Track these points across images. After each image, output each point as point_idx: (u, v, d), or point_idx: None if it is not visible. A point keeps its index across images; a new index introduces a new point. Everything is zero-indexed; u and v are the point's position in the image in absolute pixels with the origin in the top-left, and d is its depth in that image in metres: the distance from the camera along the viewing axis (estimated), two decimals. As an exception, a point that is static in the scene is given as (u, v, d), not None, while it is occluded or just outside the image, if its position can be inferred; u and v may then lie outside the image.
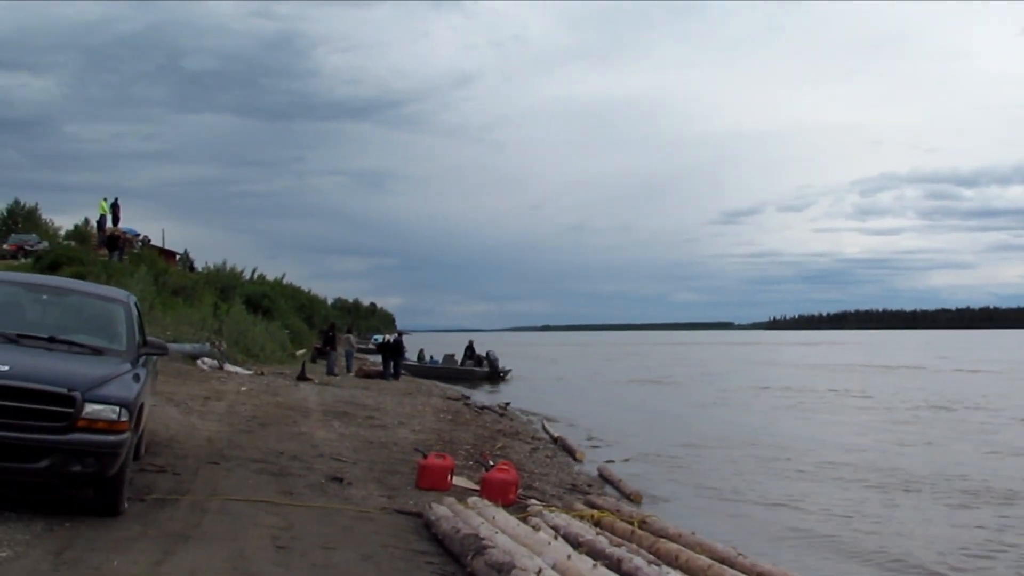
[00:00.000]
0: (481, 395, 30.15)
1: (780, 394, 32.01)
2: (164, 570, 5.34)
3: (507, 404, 24.97)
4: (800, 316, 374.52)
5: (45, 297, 7.83)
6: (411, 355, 42.21)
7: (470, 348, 41.78)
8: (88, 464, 6.04)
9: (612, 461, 15.71)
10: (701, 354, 79.15)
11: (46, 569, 5.10)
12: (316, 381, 23.92)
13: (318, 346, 36.47)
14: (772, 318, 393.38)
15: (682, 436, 19.89)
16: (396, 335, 32.69)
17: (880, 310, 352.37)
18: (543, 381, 40.69)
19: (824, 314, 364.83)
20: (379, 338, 34.33)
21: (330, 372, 28.05)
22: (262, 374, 23.83)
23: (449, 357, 41.80)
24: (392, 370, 30.36)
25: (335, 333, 30.67)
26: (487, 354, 40.63)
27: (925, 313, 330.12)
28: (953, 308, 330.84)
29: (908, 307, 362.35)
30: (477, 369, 40.06)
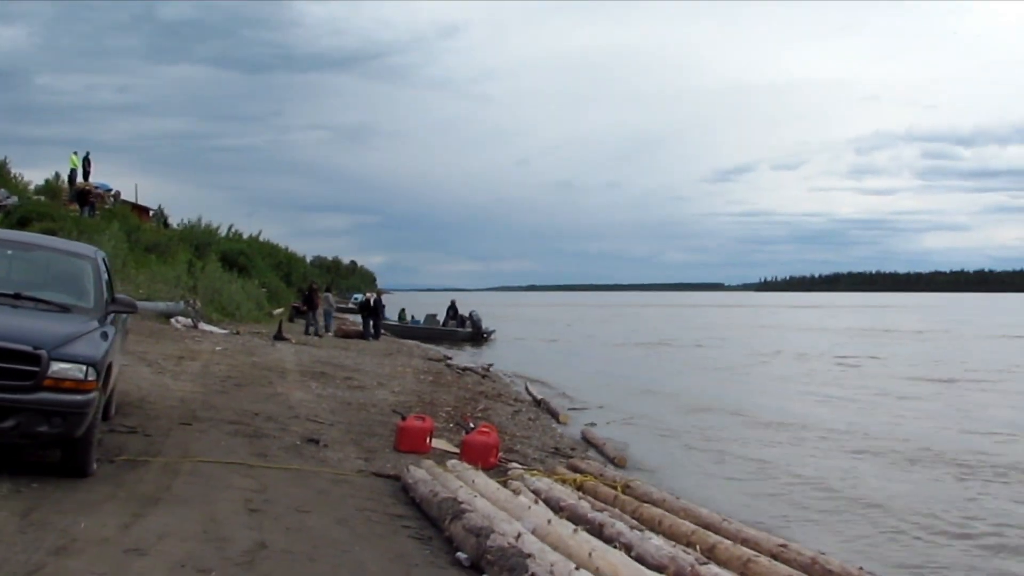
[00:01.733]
0: (464, 356, 30.29)
1: (782, 361, 31.84)
2: (133, 533, 5.36)
3: (490, 366, 25.04)
4: (792, 278, 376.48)
5: (10, 253, 7.75)
6: (392, 315, 42.12)
7: (453, 308, 41.73)
8: (55, 424, 6.05)
9: (595, 424, 15.82)
10: (694, 317, 79.29)
11: (12, 531, 5.12)
12: (293, 341, 23.93)
13: (296, 305, 36.43)
14: (763, 279, 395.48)
15: (673, 401, 19.98)
16: (376, 294, 32.60)
17: (873, 272, 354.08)
18: (528, 343, 40.75)
19: (816, 275, 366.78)
20: (359, 297, 34.30)
21: (309, 332, 28.04)
22: (238, 333, 23.86)
23: (431, 317, 41.85)
24: (372, 330, 30.40)
25: (315, 292, 30.61)
26: (470, 314, 40.63)
27: (920, 276, 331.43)
28: (948, 271, 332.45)
29: (902, 269, 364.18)
30: (460, 330, 40.07)
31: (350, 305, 58.64)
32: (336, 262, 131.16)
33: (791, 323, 65.64)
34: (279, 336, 23.86)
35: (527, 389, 20.26)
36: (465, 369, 23.11)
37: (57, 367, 6.04)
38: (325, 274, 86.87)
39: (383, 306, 31.74)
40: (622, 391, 21.74)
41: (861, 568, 5.91)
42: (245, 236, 51.92)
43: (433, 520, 6.75)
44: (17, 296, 6.87)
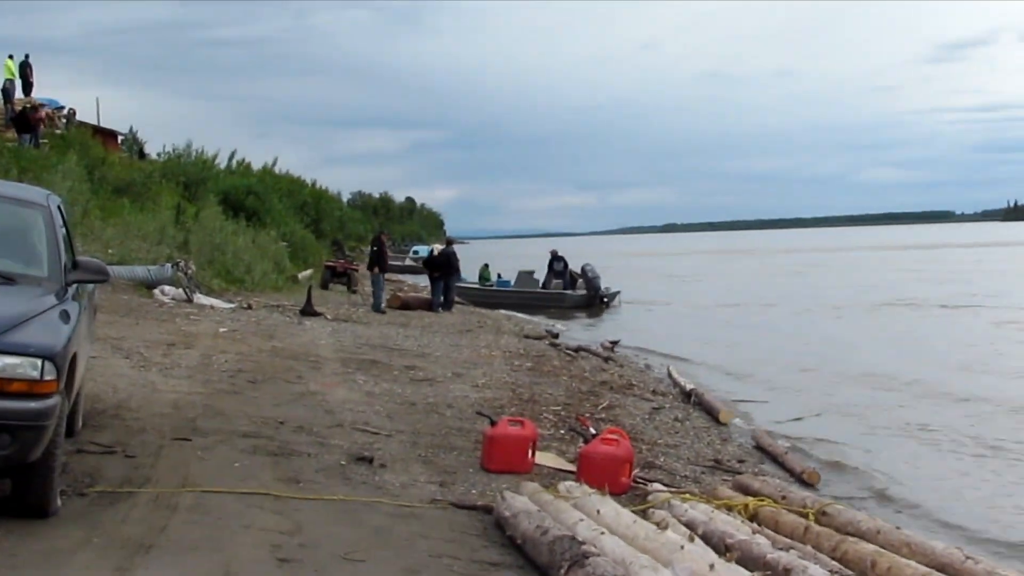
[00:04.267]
0: (576, 330, 30.26)
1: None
2: (117, 595, 5.46)
3: (615, 342, 25.11)
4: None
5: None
6: (470, 274, 42.37)
7: (556, 261, 41.70)
8: (2, 443, 6.09)
9: (772, 429, 15.75)
10: (916, 263, 76.67)
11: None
12: (330, 316, 24.16)
13: (332, 264, 37.09)
14: (1013, 203, 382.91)
15: (901, 389, 20.02)
16: (446, 245, 32.82)
17: None
18: (670, 309, 40.74)
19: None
20: (421, 251, 34.56)
21: (377, 308, 28.34)
22: (249, 307, 24.20)
23: (526, 275, 42.06)
24: (443, 297, 30.65)
25: (384, 247, 30.58)
26: (582, 270, 40.66)
27: None
28: None
29: None
30: (569, 293, 40.24)
31: (408, 262, 59.13)
32: (385, 200, 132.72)
33: None
34: (308, 310, 24.15)
35: (671, 375, 20.23)
36: (579, 349, 23.11)
37: (0, 362, 6.10)
38: (372, 218, 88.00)
39: (457, 261, 31.89)
40: (815, 377, 21.72)
41: None
42: (255, 168, 52.79)
43: (542, 569, 6.76)
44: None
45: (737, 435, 15.06)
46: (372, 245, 31.66)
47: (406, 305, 30.17)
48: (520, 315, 33.55)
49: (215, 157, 46.62)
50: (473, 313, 31.51)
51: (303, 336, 19.80)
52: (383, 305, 28.81)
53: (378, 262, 29.70)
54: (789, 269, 74.37)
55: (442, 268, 31.10)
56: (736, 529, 7.53)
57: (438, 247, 33.16)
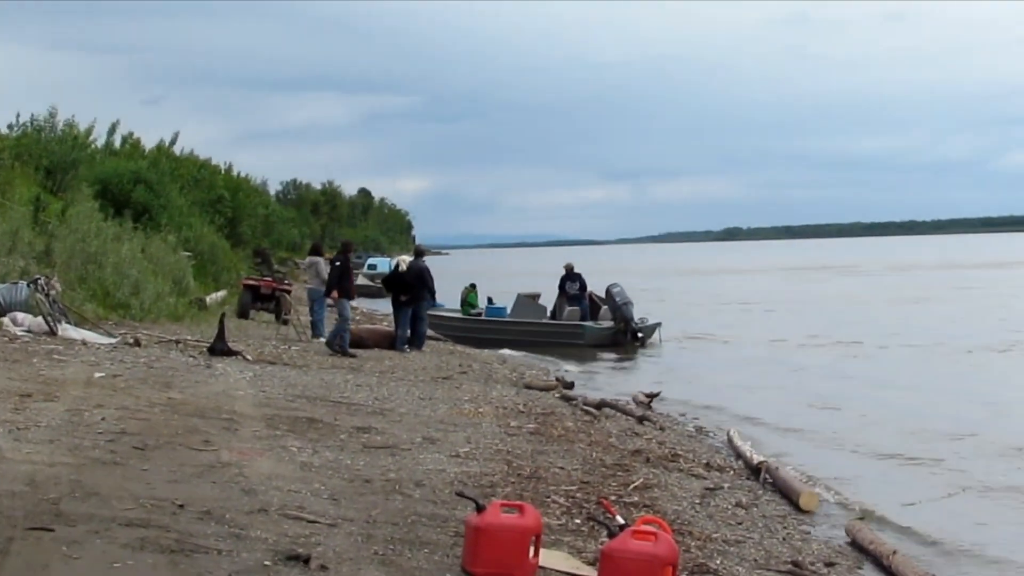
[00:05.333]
0: (599, 377, 30.29)
1: None
2: None
3: (654, 395, 24.98)
4: None
5: None
6: (449, 299, 42.90)
7: (571, 281, 41.84)
8: None
9: (870, 512, 15.79)
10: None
11: None
12: (251, 356, 24.28)
13: (253, 281, 37.07)
14: None
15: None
16: (416, 257, 32.48)
17: None
18: (732, 349, 40.59)
19: None
20: (380, 265, 34.50)
21: (342, 348, 28.28)
22: (137, 343, 24.23)
23: (528, 301, 42.29)
24: (410, 330, 30.63)
25: (348, 262, 30.55)
26: (608, 293, 40.82)
27: None
28: None
29: None
30: (589, 325, 40.31)
31: (361, 280, 58.91)
32: (330, 194, 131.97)
33: None
34: (220, 348, 24.27)
35: (732, 442, 20.33)
36: (602, 404, 23.03)
37: None
38: (311, 219, 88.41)
39: (431, 279, 31.94)
40: (937, 444, 21.71)
41: None
42: (146, 147, 52.64)
43: None
44: None
45: (825, 527, 15.04)
46: (335, 260, 31.10)
47: (359, 341, 30.09)
48: (519, 356, 33.75)
49: (89, 132, 46.62)
50: (453, 353, 31.60)
51: (213, 384, 19.82)
52: (341, 342, 28.56)
53: (340, 283, 29.55)
54: (905, 294, 73.04)
55: (412, 289, 30.85)
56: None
57: (405, 260, 32.94)
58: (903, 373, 33.70)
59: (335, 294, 29.47)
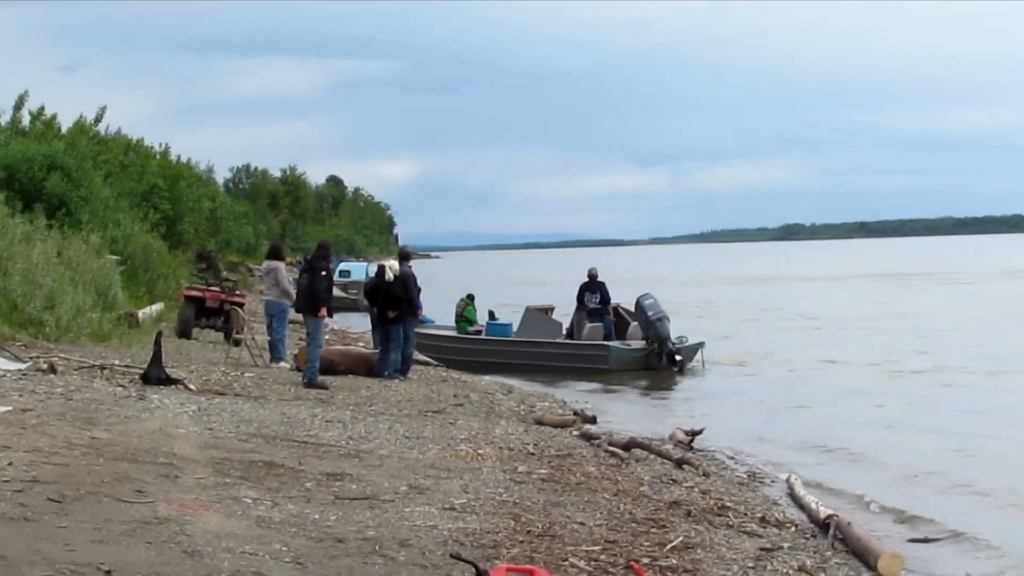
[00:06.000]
0: (627, 410, 30.18)
1: None
2: None
3: (696, 433, 23.92)
4: None
5: None
6: (440, 313, 44.13)
7: (593, 291, 40.80)
8: None
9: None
10: None
11: None
12: (194, 386, 23.40)
13: (193, 292, 36.90)
14: None
15: None
16: (401, 262, 31.43)
17: None
18: (794, 376, 39.10)
19: None
20: (355, 271, 33.13)
21: (311, 377, 26.46)
22: (52, 370, 23.22)
23: (539, 315, 41.39)
24: (392, 351, 29.51)
25: (327, 266, 29.03)
26: (638, 306, 39.57)
27: None
28: None
29: None
30: (614, 345, 39.16)
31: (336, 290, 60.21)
32: (292, 184, 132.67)
33: None
34: (157, 375, 23.07)
35: (793, 493, 19.49)
36: (632, 445, 21.87)
37: None
38: (268, 213, 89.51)
39: (417, 290, 30.57)
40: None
41: None
42: (63, 126, 54.32)
43: None
44: None
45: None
46: (313, 267, 29.14)
47: (330, 366, 28.52)
48: (527, 385, 33.07)
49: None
50: (446, 380, 31.25)
51: (147, 421, 18.61)
52: (316, 374, 26.78)
53: (316, 297, 27.80)
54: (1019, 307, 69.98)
55: (401, 303, 29.41)
56: None
57: (392, 265, 31.09)
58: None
59: (323, 311, 27.81)
